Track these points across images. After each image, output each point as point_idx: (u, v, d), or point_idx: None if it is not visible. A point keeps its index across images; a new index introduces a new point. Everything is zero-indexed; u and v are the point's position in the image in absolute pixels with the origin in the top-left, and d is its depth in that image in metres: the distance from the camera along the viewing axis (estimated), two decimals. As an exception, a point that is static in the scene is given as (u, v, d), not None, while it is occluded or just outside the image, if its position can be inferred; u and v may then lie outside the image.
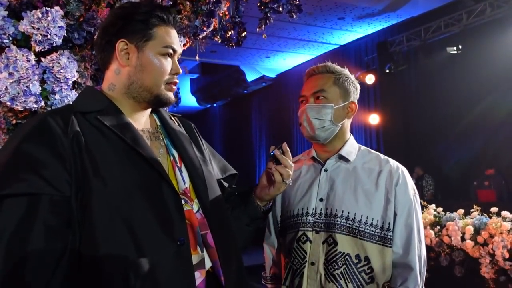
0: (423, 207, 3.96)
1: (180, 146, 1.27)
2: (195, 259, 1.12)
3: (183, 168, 1.24)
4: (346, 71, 1.60)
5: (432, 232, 3.82)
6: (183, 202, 1.15)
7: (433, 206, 4.10)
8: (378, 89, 8.31)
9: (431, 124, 7.56)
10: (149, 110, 1.29)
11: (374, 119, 8.17)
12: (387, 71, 7.72)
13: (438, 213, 4.01)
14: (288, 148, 1.34)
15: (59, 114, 1.12)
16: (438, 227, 3.86)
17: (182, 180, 1.21)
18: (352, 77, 1.60)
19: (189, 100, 12.49)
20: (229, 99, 12.28)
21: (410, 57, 7.78)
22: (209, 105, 13.35)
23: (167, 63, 1.22)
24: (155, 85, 1.20)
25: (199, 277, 1.12)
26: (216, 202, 1.26)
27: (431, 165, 7.50)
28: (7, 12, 1.84)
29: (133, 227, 1.04)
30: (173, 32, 1.24)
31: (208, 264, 1.16)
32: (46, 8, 1.84)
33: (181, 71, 1.25)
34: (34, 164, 1.01)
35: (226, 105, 12.95)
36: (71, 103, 1.93)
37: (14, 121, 2.00)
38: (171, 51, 1.22)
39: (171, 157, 1.24)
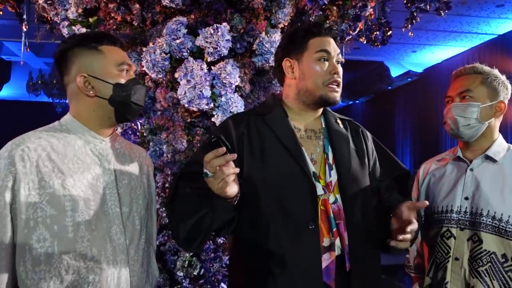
0: None
1: (336, 146, 1.45)
2: (326, 242, 1.33)
3: (333, 165, 1.43)
4: (495, 71, 1.59)
5: None
6: (322, 192, 1.36)
7: None
8: (546, 82, 7.35)
9: None
10: (317, 113, 1.50)
11: (539, 116, 7.26)
12: (558, 61, 6.79)
13: None
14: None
15: (236, 117, 1.50)
16: None
17: (329, 175, 1.41)
18: (503, 77, 1.58)
19: (331, 97, 12.61)
20: (372, 95, 12.05)
21: None
22: (351, 102, 13.29)
23: (323, 66, 1.42)
24: (316, 87, 1.42)
25: (328, 258, 1.32)
26: (359, 198, 1.42)
27: None
28: (186, 30, 2.23)
29: (271, 207, 1.33)
30: (326, 39, 1.44)
31: (338, 249, 1.34)
32: (217, 24, 2.18)
33: (339, 69, 1.43)
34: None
35: (369, 102, 12.72)
36: (234, 104, 2.27)
37: (188, 120, 2.41)
38: (324, 54, 1.42)
39: (325, 155, 1.44)
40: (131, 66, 1.38)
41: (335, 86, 1.42)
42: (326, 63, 1.42)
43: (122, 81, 1.32)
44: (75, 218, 1.21)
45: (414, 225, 1.24)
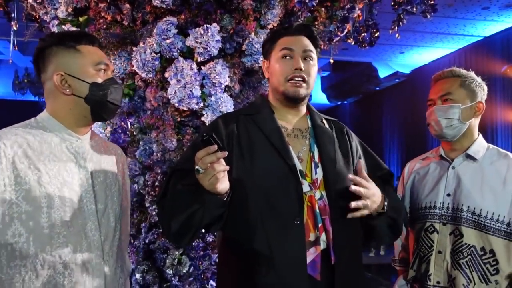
0: None
1: (322, 145, 1.49)
2: (312, 236, 1.38)
3: (319, 163, 1.47)
4: (472, 73, 1.67)
5: None
6: (308, 189, 1.41)
7: None
8: (529, 84, 7.49)
9: None
10: (300, 112, 1.55)
11: (523, 116, 7.40)
12: (541, 63, 6.92)
13: None
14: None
15: (226, 116, 1.55)
16: None
17: (315, 172, 1.45)
18: (479, 79, 1.67)
19: (319, 97, 12.66)
20: (360, 96, 12.15)
21: None
22: (339, 103, 13.37)
23: (287, 63, 1.45)
24: (279, 84, 1.47)
25: (314, 252, 1.36)
26: (344, 195, 1.43)
27: None
28: (176, 30, 2.25)
29: (259, 204, 1.36)
30: (294, 38, 1.48)
31: (323, 243, 1.39)
32: (207, 25, 2.21)
33: (300, 65, 1.43)
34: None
35: (357, 102, 12.82)
36: (224, 104, 2.29)
37: (178, 119, 2.43)
38: (287, 51, 1.46)
39: (311, 153, 1.48)
40: (109, 66, 1.39)
41: (295, 81, 1.44)
42: (291, 60, 1.45)
43: (99, 80, 1.34)
44: (50, 215, 1.23)
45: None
